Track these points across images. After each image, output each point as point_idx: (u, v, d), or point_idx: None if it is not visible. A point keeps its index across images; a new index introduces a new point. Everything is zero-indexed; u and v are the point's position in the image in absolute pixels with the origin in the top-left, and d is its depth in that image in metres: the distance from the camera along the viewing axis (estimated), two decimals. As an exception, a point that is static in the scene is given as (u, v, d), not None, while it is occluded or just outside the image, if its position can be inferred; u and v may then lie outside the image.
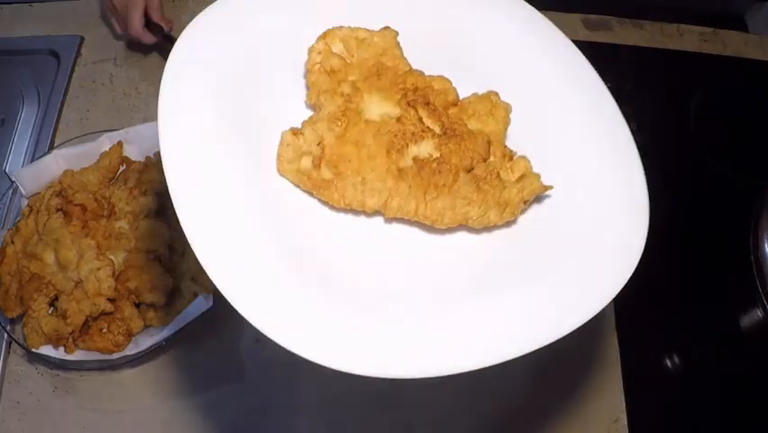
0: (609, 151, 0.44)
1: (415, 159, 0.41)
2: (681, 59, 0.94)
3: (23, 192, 0.71)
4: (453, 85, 0.45)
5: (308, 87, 0.44)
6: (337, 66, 0.44)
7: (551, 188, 0.43)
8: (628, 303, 0.75)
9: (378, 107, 0.43)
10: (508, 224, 0.42)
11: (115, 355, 0.64)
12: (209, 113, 0.40)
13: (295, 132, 0.42)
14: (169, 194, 0.37)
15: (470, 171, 0.42)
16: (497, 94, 0.45)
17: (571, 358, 0.72)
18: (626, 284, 0.40)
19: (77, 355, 0.64)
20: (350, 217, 0.42)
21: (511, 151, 0.44)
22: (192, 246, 0.36)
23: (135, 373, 0.68)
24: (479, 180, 0.41)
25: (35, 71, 0.86)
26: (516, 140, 0.45)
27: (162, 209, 0.70)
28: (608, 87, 0.52)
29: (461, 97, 0.45)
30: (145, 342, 0.65)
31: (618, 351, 0.72)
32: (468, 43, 0.48)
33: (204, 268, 0.36)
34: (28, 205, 0.71)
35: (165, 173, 0.38)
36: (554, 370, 0.72)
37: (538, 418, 0.69)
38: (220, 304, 0.71)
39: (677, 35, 0.97)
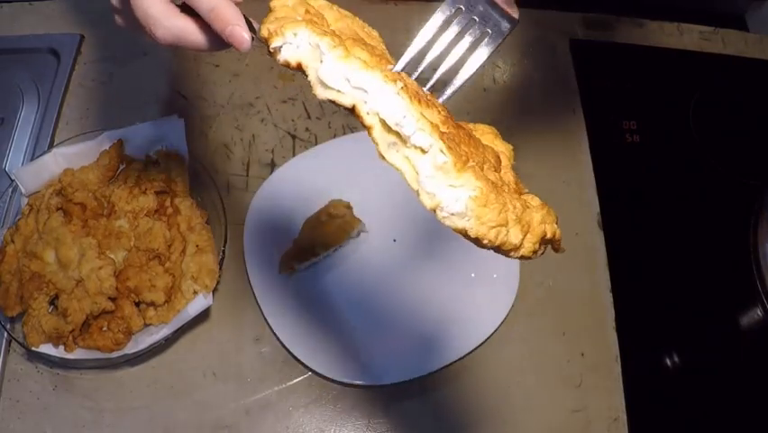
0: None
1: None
2: (681, 59, 0.94)
3: (23, 191, 0.71)
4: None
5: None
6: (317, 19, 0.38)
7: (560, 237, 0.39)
8: (628, 303, 0.75)
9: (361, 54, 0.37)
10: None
11: (115, 354, 0.64)
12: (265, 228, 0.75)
13: None
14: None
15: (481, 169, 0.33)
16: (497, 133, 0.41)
17: (571, 357, 0.72)
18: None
19: (77, 354, 0.64)
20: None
21: (523, 187, 0.37)
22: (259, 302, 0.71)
23: (135, 371, 0.69)
24: (495, 185, 0.32)
25: (35, 70, 0.86)
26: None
27: (162, 208, 0.70)
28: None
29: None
30: (145, 341, 0.65)
31: (618, 351, 0.72)
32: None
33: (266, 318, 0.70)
34: (28, 203, 0.71)
35: (246, 264, 0.72)
36: (555, 369, 0.72)
37: (539, 416, 0.69)
38: (219, 303, 0.71)
39: (677, 34, 0.97)
